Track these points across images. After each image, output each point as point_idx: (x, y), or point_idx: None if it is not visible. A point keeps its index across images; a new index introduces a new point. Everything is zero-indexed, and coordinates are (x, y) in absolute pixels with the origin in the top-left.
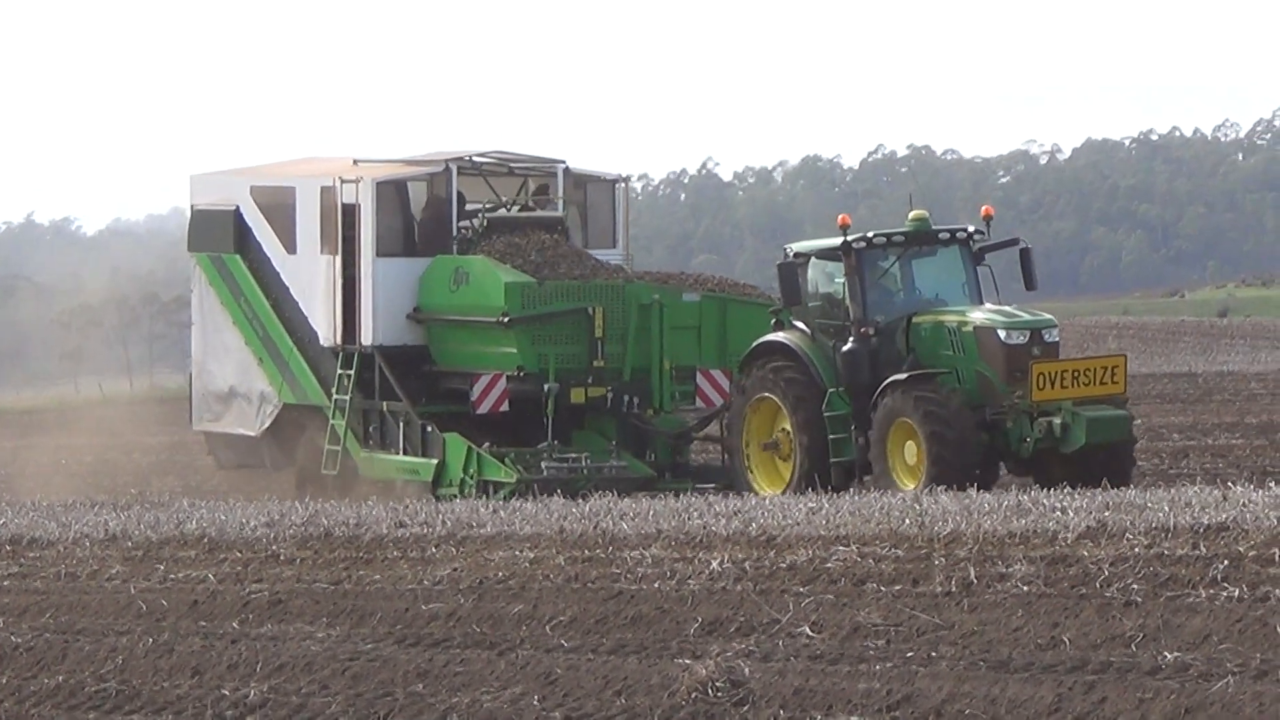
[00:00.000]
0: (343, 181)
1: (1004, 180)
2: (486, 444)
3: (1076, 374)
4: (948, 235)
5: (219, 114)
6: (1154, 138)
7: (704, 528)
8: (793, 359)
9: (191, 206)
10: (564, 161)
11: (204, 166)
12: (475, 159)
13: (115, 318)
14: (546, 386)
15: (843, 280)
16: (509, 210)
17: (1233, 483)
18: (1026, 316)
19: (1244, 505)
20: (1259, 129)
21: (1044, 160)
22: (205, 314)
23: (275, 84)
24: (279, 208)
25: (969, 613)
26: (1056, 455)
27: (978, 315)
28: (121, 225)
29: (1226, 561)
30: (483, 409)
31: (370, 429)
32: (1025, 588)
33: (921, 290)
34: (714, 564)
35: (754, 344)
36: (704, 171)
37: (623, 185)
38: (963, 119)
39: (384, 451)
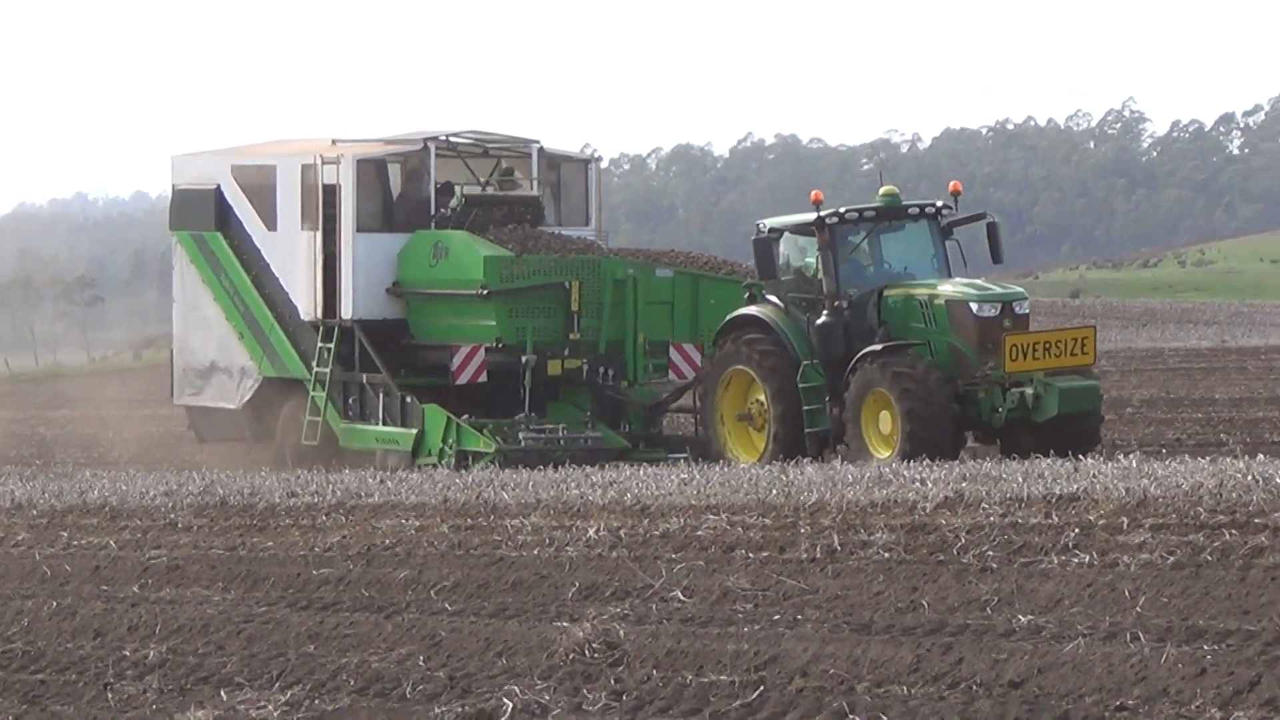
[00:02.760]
0: (323, 160)
1: (867, 168)
2: (466, 415)
3: (1048, 345)
4: (917, 210)
5: (141, 99)
6: (1010, 127)
7: (581, 498)
8: (766, 332)
9: (173, 186)
10: (538, 141)
11: (136, 149)
12: (451, 139)
13: (20, 298)
14: (524, 358)
15: (815, 255)
16: (484, 190)
17: (1082, 455)
18: (998, 289)
19: (1094, 476)
20: (1109, 118)
21: (905, 149)
22: (186, 291)
23: (223, 69)
24: (260, 186)
25: (833, 578)
26: (1026, 425)
27: (948, 288)
28: (26, 210)
29: (1077, 530)
30: (462, 379)
31: (350, 401)
32: (886, 554)
33: (891, 264)
34: (591, 532)
35: (728, 317)
36: None
37: (595, 165)
38: (827, 109)
39: (364, 423)
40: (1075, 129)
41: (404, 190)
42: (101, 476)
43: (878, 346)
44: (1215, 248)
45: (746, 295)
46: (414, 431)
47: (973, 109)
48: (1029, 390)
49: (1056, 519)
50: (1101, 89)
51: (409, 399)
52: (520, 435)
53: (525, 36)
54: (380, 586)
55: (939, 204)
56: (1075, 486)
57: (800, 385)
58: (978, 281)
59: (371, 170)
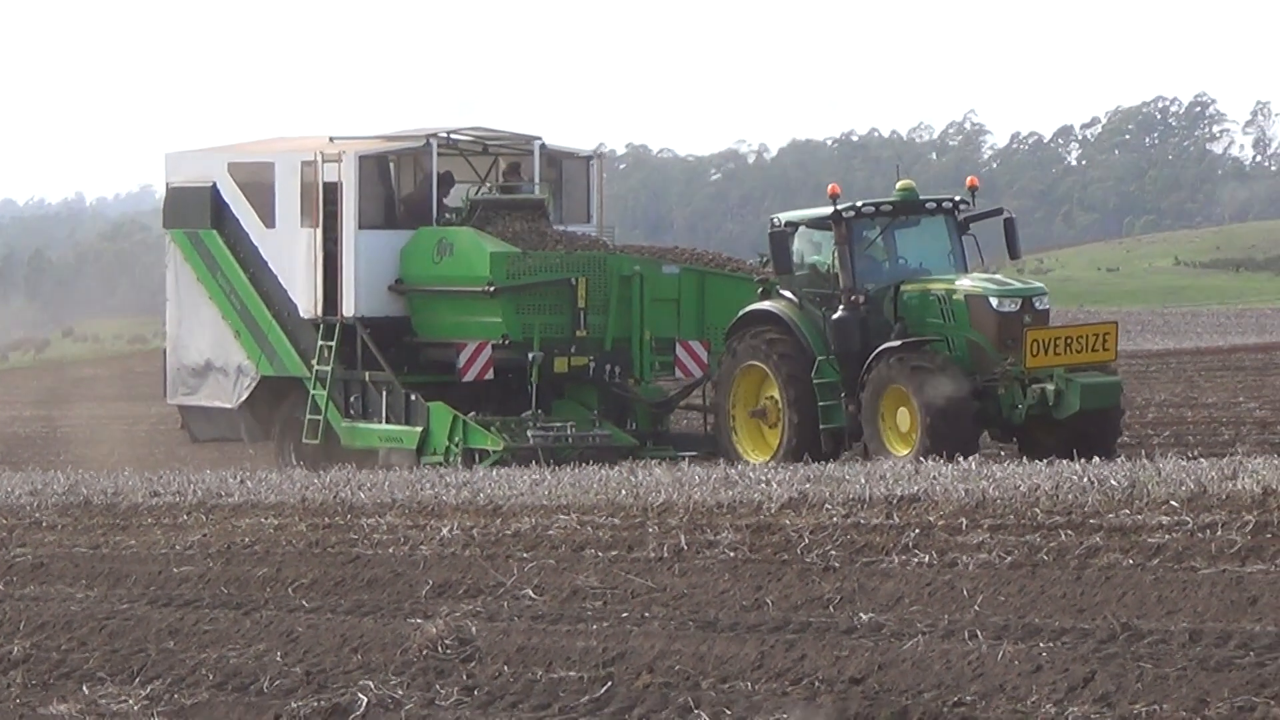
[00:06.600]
0: (324, 157)
1: (716, 177)
2: (472, 413)
3: (1069, 340)
4: (934, 205)
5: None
6: (854, 139)
7: (435, 497)
8: (781, 327)
9: (167, 184)
10: (540, 138)
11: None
12: (453, 136)
13: None
14: (531, 355)
15: (830, 249)
16: (487, 191)
17: (924, 458)
18: (1018, 284)
19: (934, 478)
20: (950, 130)
21: (752, 159)
22: (180, 289)
23: (186, 70)
24: (258, 184)
25: (680, 577)
26: (1045, 422)
27: (966, 283)
28: None
29: (918, 530)
30: (469, 376)
31: (351, 399)
32: (732, 554)
33: (907, 259)
34: (444, 531)
35: (741, 312)
36: None
37: (597, 161)
38: (676, 119)
39: (366, 421)
40: (918, 140)
41: (407, 186)
42: None
43: (896, 342)
44: (1053, 256)
45: (760, 290)
46: (419, 429)
47: (818, 121)
48: (1050, 386)
49: (897, 519)
50: (943, 101)
51: (413, 397)
52: (529, 433)
53: (386, 38)
54: (239, 584)
55: (956, 199)
56: (916, 488)
57: (815, 381)
58: (996, 276)
59: (373, 166)
